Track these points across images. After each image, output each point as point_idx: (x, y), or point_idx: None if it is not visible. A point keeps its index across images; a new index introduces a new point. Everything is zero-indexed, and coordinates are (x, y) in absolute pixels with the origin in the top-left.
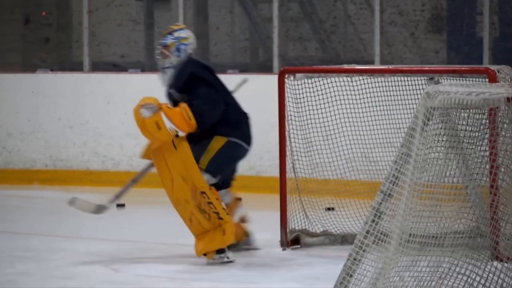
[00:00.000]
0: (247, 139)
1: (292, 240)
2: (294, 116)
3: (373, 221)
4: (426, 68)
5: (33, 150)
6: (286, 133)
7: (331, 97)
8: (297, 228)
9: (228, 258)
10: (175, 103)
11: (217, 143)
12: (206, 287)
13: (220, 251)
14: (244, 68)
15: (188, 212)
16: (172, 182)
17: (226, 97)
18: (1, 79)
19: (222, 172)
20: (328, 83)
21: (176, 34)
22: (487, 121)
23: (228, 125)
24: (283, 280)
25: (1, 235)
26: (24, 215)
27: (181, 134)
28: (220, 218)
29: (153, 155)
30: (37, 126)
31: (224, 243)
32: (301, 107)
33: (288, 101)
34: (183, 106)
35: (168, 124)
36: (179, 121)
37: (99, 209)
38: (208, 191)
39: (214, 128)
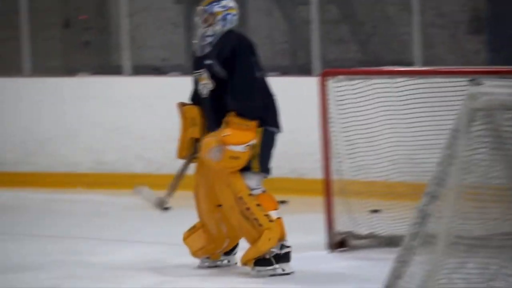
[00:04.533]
0: (278, 123)
1: (339, 243)
2: (336, 118)
3: (419, 223)
4: (468, 70)
5: (75, 154)
6: (329, 135)
7: (372, 98)
8: (343, 230)
9: (283, 270)
10: (213, 75)
11: (256, 137)
12: None
13: (266, 262)
14: (284, 71)
15: (236, 219)
16: (220, 190)
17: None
18: (43, 83)
19: (270, 165)
20: (369, 85)
21: (223, 2)
22: None
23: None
24: (330, 283)
25: (47, 239)
26: (69, 219)
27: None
28: (260, 225)
29: (201, 167)
30: (79, 130)
31: (257, 252)
32: (343, 109)
33: (330, 103)
34: (235, 120)
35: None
36: (243, 137)
37: (160, 203)
38: (246, 196)
39: None
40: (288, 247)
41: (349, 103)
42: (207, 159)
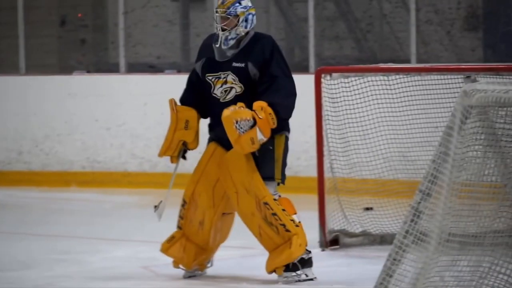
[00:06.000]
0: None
1: (331, 241)
2: (331, 116)
3: (412, 220)
4: (463, 66)
5: (70, 152)
6: (323, 132)
7: (367, 96)
8: (335, 228)
9: (306, 276)
10: (244, 77)
11: (279, 146)
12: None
13: (293, 267)
14: None
15: (256, 226)
16: (237, 195)
17: None
18: (38, 81)
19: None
20: (364, 82)
21: (244, 3)
22: None
23: None
24: (322, 281)
25: (40, 238)
26: (62, 217)
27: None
28: (288, 231)
29: (218, 167)
30: (74, 128)
31: (290, 258)
32: (338, 106)
33: (325, 101)
34: (269, 111)
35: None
36: (266, 129)
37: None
38: (272, 201)
39: None
40: (309, 252)
41: (344, 101)
42: (230, 125)
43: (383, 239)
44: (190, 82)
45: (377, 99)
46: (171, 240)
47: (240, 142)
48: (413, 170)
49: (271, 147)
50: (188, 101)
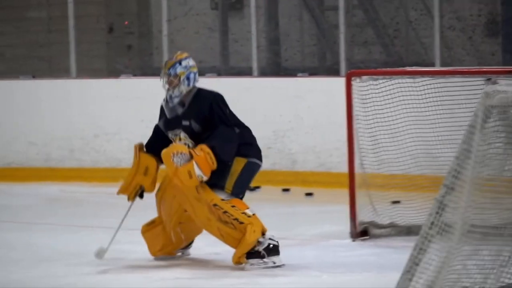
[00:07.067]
0: (260, 157)
1: (361, 232)
2: (361, 116)
3: (437, 213)
4: (484, 70)
5: (118, 150)
6: (354, 131)
7: (395, 97)
8: (365, 220)
9: (274, 263)
10: (192, 134)
11: (238, 165)
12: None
13: (258, 255)
14: (312, 72)
15: (215, 229)
16: (193, 208)
17: (239, 120)
18: (88, 84)
19: (244, 192)
20: (392, 85)
21: (184, 63)
22: None
23: (245, 146)
24: (353, 269)
25: (90, 230)
26: (111, 211)
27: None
28: (241, 223)
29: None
30: (122, 127)
31: (246, 244)
32: (367, 107)
33: (355, 102)
34: (207, 151)
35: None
36: (205, 167)
37: (101, 252)
38: (220, 202)
39: None
40: (276, 241)
41: (373, 102)
42: (168, 159)
43: (409, 230)
44: (155, 131)
45: (404, 100)
46: (151, 224)
47: (177, 174)
48: (438, 166)
49: (230, 164)
50: (151, 149)
